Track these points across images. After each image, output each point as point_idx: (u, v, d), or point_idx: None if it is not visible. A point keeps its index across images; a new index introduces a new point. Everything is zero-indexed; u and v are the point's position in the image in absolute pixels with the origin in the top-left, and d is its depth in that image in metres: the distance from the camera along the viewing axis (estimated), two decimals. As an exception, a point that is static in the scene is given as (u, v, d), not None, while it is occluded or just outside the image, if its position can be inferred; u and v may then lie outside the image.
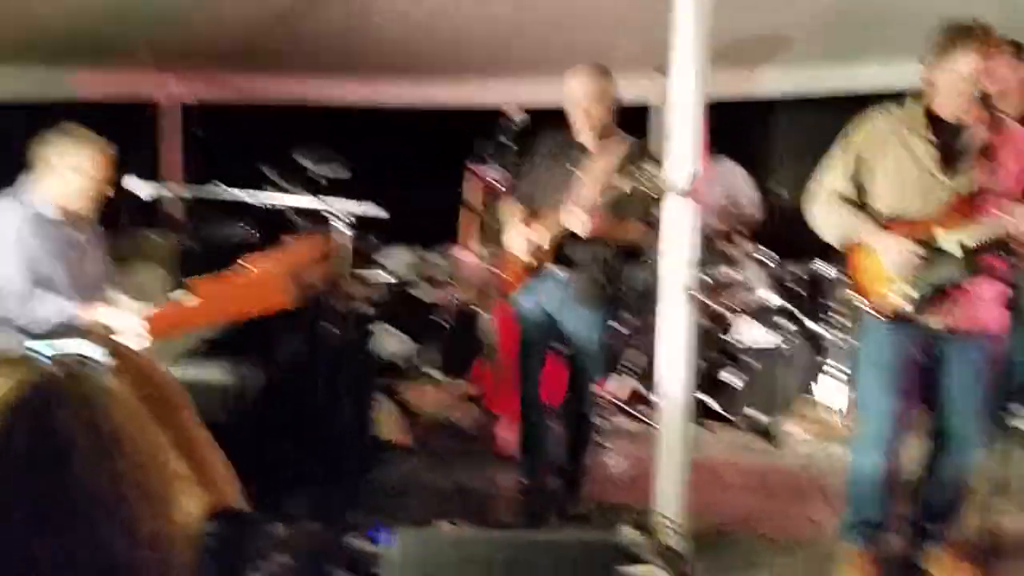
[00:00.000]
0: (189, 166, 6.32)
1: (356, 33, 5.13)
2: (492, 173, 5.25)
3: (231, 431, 3.09)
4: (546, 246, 3.72)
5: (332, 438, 3.60)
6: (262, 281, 2.89)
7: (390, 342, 5.95)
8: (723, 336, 5.10)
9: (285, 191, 5.11)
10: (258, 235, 5.32)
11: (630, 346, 5.62)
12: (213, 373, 2.83)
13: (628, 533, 3.36)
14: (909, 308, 3.11)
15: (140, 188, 3.28)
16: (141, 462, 1.17)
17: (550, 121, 3.90)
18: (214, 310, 2.89)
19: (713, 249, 5.15)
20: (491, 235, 3.58)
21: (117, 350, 1.43)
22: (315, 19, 4.90)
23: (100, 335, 1.32)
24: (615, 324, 4.68)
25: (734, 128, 6.02)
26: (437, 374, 5.87)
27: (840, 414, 5.14)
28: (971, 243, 3.02)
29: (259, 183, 5.02)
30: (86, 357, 1.37)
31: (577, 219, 3.54)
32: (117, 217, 5.06)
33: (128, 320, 3.10)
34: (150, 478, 1.18)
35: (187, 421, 1.43)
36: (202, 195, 3.38)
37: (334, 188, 5.08)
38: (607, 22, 4.96)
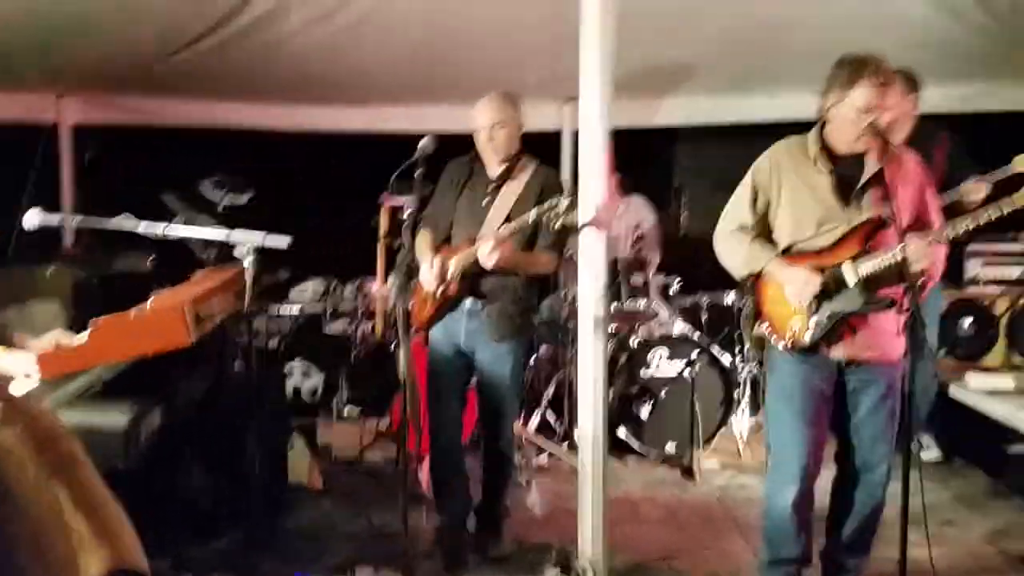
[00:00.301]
0: (86, 194, 6.05)
1: (265, 58, 5.02)
2: (402, 202, 5.20)
3: (130, 477, 2.96)
4: (451, 276, 3.66)
5: (240, 481, 3.45)
6: (159, 318, 2.74)
7: (301, 378, 5.81)
8: (635, 367, 5.10)
9: (186, 220, 4.97)
10: (156, 265, 5.13)
11: (543, 379, 5.60)
12: (109, 416, 2.66)
13: (551, 575, 3.30)
14: (809, 339, 3.14)
15: (28, 218, 3.09)
16: (36, 521, 1.10)
17: (462, 148, 3.86)
18: (108, 349, 2.73)
19: (623, 280, 5.17)
20: (404, 266, 3.48)
21: (6, 398, 1.32)
22: (222, 44, 4.77)
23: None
24: (528, 357, 4.67)
25: (643, 157, 6.12)
26: (351, 411, 5.74)
27: (743, 442, 5.21)
28: (868, 273, 3.07)
29: (159, 211, 4.87)
30: None
31: (483, 251, 3.50)
32: (6, 250, 4.83)
33: (18, 360, 2.91)
34: (46, 538, 1.11)
35: (83, 473, 1.33)
36: (99, 226, 3.20)
37: (240, 218, 4.96)
38: (517, 50, 4.99)
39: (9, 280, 4.40)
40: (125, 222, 3.09)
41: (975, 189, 4.18)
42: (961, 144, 4.49)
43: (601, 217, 3.31)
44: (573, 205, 3.32)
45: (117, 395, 2.80)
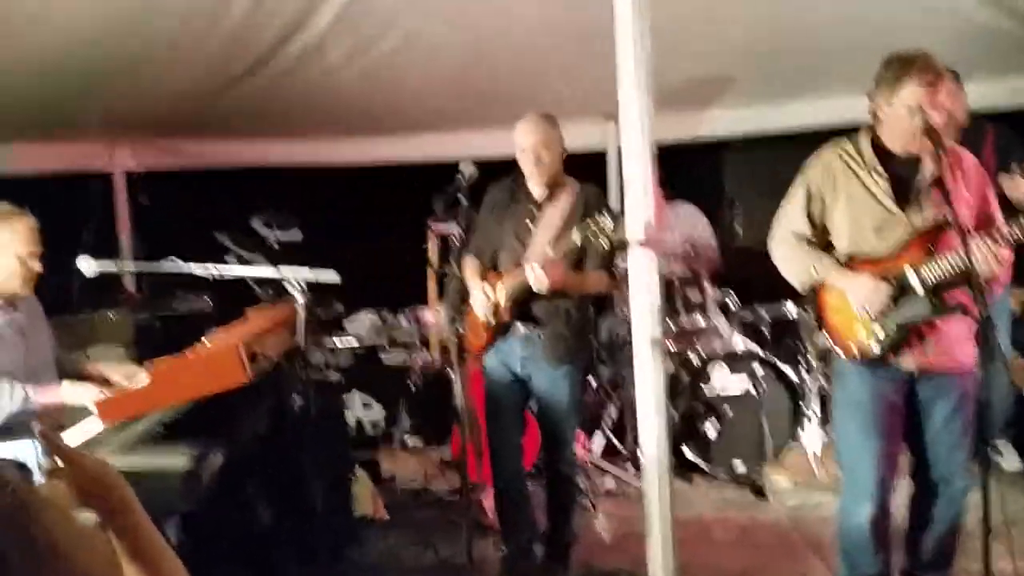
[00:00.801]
0: (141, 238, 6.17)
1: (307, 95, 5.08)
2: (449, 229, 5.20)
3: (194, 519, 2.97)
4: (504, 303, 3.63)
5: (304, 517, 3.44)
6: (216, 358, 2.76)
7: (360, 410, 5.82)
8: (697, 385, 4.99)
9: (240, 258, 5.04)
10: (214, 307, 5.19)
11: (604, 401, 5.53)
12: (171, 458, 2.67)
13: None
14: (878, 349, 3.03)
15: (86, 266, 3.14)
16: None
17: (505, 172, 3.84)
18: (168, 391, 2.75)
19: (679, 296, 5.08)
20: (454, 293, 3.47)
21: (57, 450, 1.31)
22: (266, 84, 4.83)
23: (43, 432, 1.21)
24: (586, 378, 4.61)
25: (693, 171, 6.05)
26: (412, 441, 5.72)
27: (816, 458, 5.06)
28: (934, 278, 2.96)
29: (215, 251, 4.94)
30: (19, 463, 1.27)
31: (532, 274, 3.45)
32: (69, 298, 4.93)
33: (80, 392, 2.96)
34: None
35: (136, 521, 1.31)
36: (154, 270, 3.25)
37: (293, 253, 5.01)
38: (556, 71, 4.98)
39: (73, 326, 4.48)
40: (173, 264, 3.13)
41: (1013, 185, 4.05)
42: (1009, 138, 4.35)
43: (652, 235, 3.24)
44: (617, 222, 3.27)
45: (178, 437, 2.81)
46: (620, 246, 3.40)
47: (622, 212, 3.31)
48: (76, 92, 4.81)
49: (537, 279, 3.44)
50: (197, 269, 3.13)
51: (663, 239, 3.21)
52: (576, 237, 3.38)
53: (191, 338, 3.45)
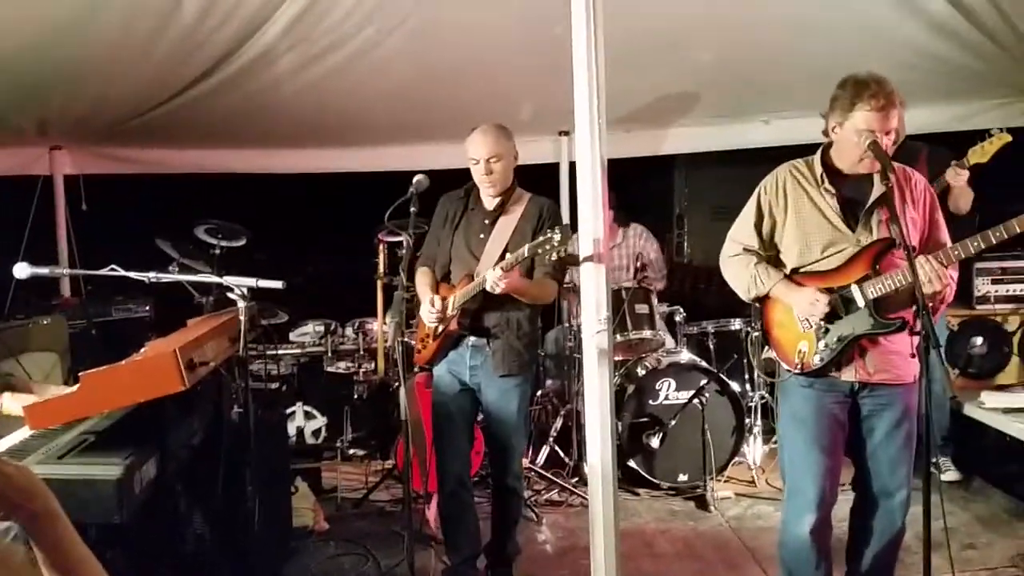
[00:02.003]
0: (80, 244, 6.02)
1: (256, 104, 5.00)
2: (398, 239, 5.16)
3: (126, 529, 2.88)
4: (452, 310, 3.60)
5: (241, 529, 3.36)
6: (150, 364, 2.67)
7: (304, 420, 5.73)
8: (642, 398, 5.01)
9: (183, 266, 4.94)
10: (153, 315, 5.09)
11: (550, 412, 5.52)
12: (103, 468, 2.58)
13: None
14: (820, 362, 3.07)
15: (17, 270, 3.04)
16: None
17: (456, 185, 3.82)
18: (99, 398, 2.66)
19: (627, 309, 5.09)
20: (400, 306, 3.42)
21: None
22: (213, 92, 4.75)
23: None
24: (533, 390, 4.59)
25: (642, 186, 6.10)
26: (355, 451, 5.65)
27: (757, 470, 5.11)
28: (877, 295, 3.01)
29: (157, 259, 4.83)
30: None
31: (492, 276, 3.43)
32: (2, 303, 4.78)
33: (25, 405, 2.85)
34: None
35: (60, 535, 1.26)
36: (86, 274, 3.16)
37: (238, 262, 4.92)
38: (509, 86, 4.98)
39: (4, 332, 4.34)
40: (114, 271, 3.04)
41: (956, 174, 4.35)
42: (941, 157, 4.52)
43: (596, 252, 3.24)
44: (566, 237, 3.26)
45: (113, 446, 2.72)
46: (570, 261, 3.39)
47: (567, 226, 3.30)
48: (13, 97, 4.68)
49: (493, 282, 3.41)
50: (136, 275, 3.04)
51: (607, 254, 3.20)
52: (525, 251, 3.36)
53: (129, 346, 3.36)
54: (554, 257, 3.34)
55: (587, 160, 3.26)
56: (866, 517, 3.23)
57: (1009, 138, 4.40)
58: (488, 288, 3.44)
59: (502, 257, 3.59)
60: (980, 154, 4.40)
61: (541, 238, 3.31)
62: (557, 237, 3.25)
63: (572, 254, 3.34)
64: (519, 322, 3.65)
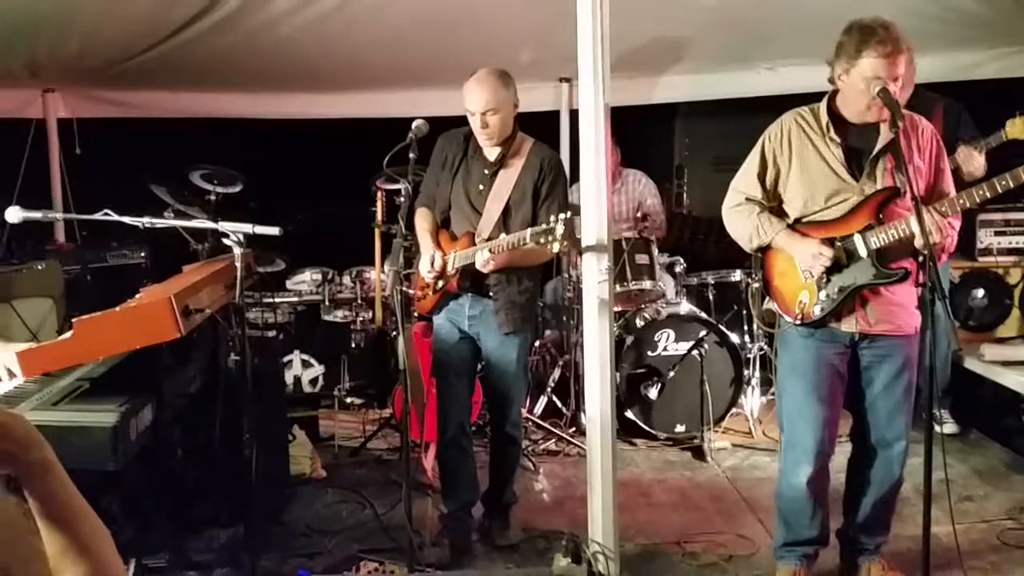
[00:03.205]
0: (74, 188, 5.95)
1: (252, 46, 4.90)
2: (396, 187, 5.10)
3: (122, 476, 2.87)
4: (451, 270, 3.55)
5: (238, 475, 3.36)
6: (145, 311, 2.64)
7: (301, 368, 5.72)
8: (641, 349, 5.00)
9: (178, 212, 4.89)
10: (149, 262, 5.05)
11: (548, 363, 5.51)
12: (98, 415, 2.56)
13: (561, 564, 3.20)
14: (820, 312, 3.05)
15: (10, 214, 2.99)
16: None
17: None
18: (94, 345, 2.63)
19: (627, 259, 5.06)
20: (398, 254, 3.37)
21: None
22: (208, 33, 4.65)
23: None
24: (533, 340, 4.57)
25: (643, 135, 6.02)
26: (352, 400, 5.65)
27: (754, 420, 5.12)
28: (880, 245, 2.97)
29: (152, 204, 4.78)
30: None
31: (479, 260, 3.39)
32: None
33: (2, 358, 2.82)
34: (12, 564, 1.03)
35: (56, 484, 1.24)
36: (84, 219, 3.11)
37: (234, 209, 4.87)
38: (510, 31, 4.88)
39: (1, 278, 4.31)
40: (105, 215, 2.99)
41: (966, 156, 4.10)
42: (958, 113, 4.39)
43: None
44: (569, 228, 3.19)
45: (109, 393, 2.70)
46: (566, 242, 3.30)
47: (570, 216, 3.22)
48: (7, 39, 4.58)
49: (483, 264, 3.38)
50: (131, 220, 2.99)
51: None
52: (527, 236, 3.28)
53: (125, 292, 3.32)
54: (556, 248, 3.28)
55: (590, 108, 3.21)
56: (864, 467, 3.23)
57: None
58: (478, 268, 3.40)
59: (504, 213, 3.53)
60: (1022, 128, 3.80)
61: (544, 227, 3.22)
62: (560, 229, 3.17)
63: (575, 241, 3.27)
64: (519, 277, 3.60)
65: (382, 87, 6.00)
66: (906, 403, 3.15)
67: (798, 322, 3.11)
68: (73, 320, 2.64)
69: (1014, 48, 5.37)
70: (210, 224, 3.15)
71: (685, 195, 7.42)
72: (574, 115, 5.08)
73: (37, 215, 3.10)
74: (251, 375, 3.10)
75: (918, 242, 2.81)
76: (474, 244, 3.51)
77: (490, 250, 3.38)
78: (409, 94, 5.88)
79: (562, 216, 3.19)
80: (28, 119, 5.89)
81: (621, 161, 5.74)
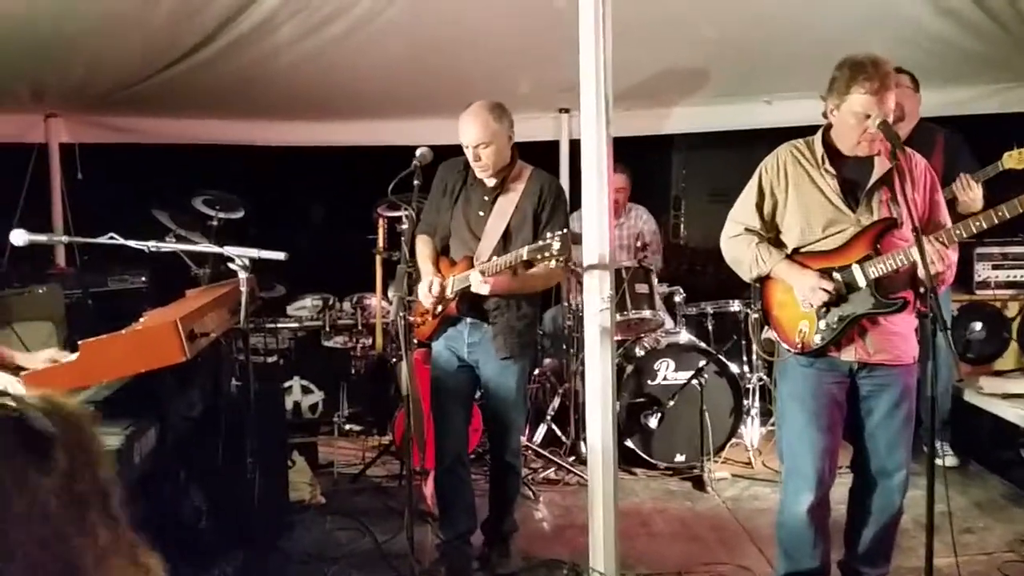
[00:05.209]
0: (75, 213, 5.96)
1: (255, 74, 4.95)
2: (398, 214, 5.13)
3: (124, 499, 2.86)
4: (450, 294, 3.57)
5: (238, 501, 3.35)
6: (151, 335, 2.65)
7: (301, 394, 5.71)
8: (641, 378, 5.00)
9: (180, 237, 4.90)
10: (149, 286, 5.05)
11: (548, 391, 5.51)
12: (103, 437, 2.56)
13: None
14: (820, 342, 3.07)
15: (14, 237, 3.00)
16: None
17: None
18: (99, 367, 2.64)
19: (627, 289, 5.07)
20: (402, 280, 3.39)
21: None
22: (211, 60, 4.70)
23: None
24: (532, 368, 4.58)
25: (640, 166, 6.07)
26: (351, 426, 5.64)
27: (754, 451, 5.11)
28: (878, 275, 3.00)
29: (153, 229, 4.79)
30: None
31: (474, 281, 3.41)
32: (-4, 271, 4.74)
33: (2, 380, 2.82)
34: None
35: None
36: (85, 242, 3.13)
37: (235, 234, 4.89)
38: (510, 62, 4.94)
39: (1, 300, 4.31)
40: (113, 239, 3.01)
41: (963, 187, 4.11)
42: (958, 145, 4.42)
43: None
44: (565, 246, 3.21)
45: (112, 416, 2.70)
46: (567, 258, 3.32)
47: (565, 234, 3.24)
48: (6, 62, 4.62)
49: (477, 285, 3.40)
50: (136, 244, 3.01)
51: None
52: (523, 254, 3.31)
53: (125, 316, 3.33)
54: (552, 265, 3.30)
55: (593, 138, 3.23)
56: (864, 498, 3.23)
57: None
58: (473, 290, 3.42)
59: (504, 237, 3.56)
60: (1017, 159, 3.91)
61: (540, 243, 3.25)
62: (556, 246, 3.19)
63: (572, 259, 3.29)
64: (519, 303, 3.62)
65: (383, 116, 6.06)
66: (906, 432, 3.15)
67: (798, 351, 3.13)
68: (80, 342, 2.64)
69: (1012, 84, 5.43)
70: (216, 249, 3.16)
71: (682, 226, 7.46)
72: (573, 145, 5.14)
73: (43, 238, 3.12)
74: (253, 400, 3.11)
75: (920, 272, 2.84)
76: (472, 268, 3.53)
77: (482, 271, 3.40)
78: (409, 123, 5.94)
79: (558, 233, 3.21)
80: (30, 144, 5.91)
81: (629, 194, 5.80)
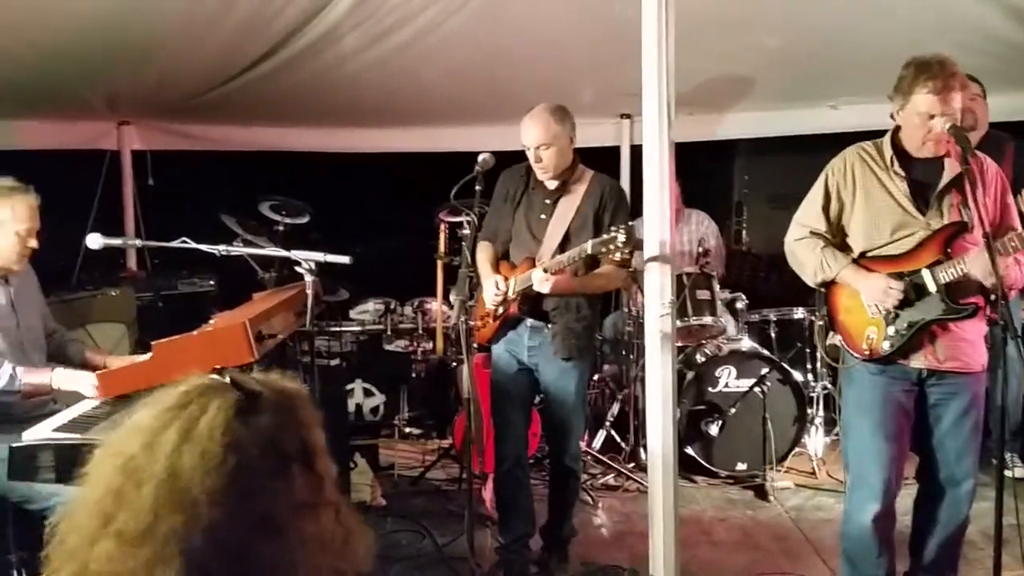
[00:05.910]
0: (146, 219, 6.13)
1: (321, 82, 5.04)
2: (460, 219, 5.17)
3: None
4: (512, 295, 3.59)
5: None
6: (221, 335, 2.72)
7: (363, 396, 5.78)
8: (702, 385, 4.96)
9: (247, 242, 5.01)
10: (218, 289, 5.16)
11: (607, 397, 5.49)
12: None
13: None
14: (889, 348, 3.01)
15: (91, 240, 3.11)
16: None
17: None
18: (170, 367, 2.70)
19: (688, 295, 5.04)
20: (464, 284, 3.43)
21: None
22: (278, 70, 4.79)
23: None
24: (592, 374, 4.56)
25: (702, 172, 6.03)
26: (412, 429, 5.69)
27: (818, 460, 5.03)
28: (948, 280, 2.93)
29: (221, 234, 4.91)
30: None
31: (536, 278, 3.43)
32: (70, 275, 4.89)
33: (78, 379, 2.91)
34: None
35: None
36: (162, 247, 3.22)
37: (300, 239, 4.98)
38: (572, 67, 4.96)
39: (73, 303, 4.45)
40: (185, 243, 3.09)
41: None
42: None
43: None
44: (631, 239, 3.21)
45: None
46: (632, 253, 3.33)
47: (631, 227, 3.24)
48: (82, 72, 4.77)
49: (539, 283, 3.42)
50: (207, 248, 3.09)
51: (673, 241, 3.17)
52: (588, 248, 3.33)
53: (194, 319, 3.41)
54: (617, 258, 3.30)
55: (655, 144, 3.22)
56: (931, 507, 3.17)
57: None
58: (535, 288, 3.43)
59: (564, 240, 3.57)
60: None
61: (605, 237, 3.27)
62: (621, 238, 3.20)
63: (637, 254, 3.29)
64: (578, 305, 3.63)
65: (445, 122, 6.12)
66: (974, 441, 3.08)
67: (866, 358, 3.07)
68: (152, 343, 2.72)
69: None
70: (283, 252, 3.23)
71: (744, 232, 7.38)
72: (635, 151, 5.13)
73: (118, 242, 3.22)
74: (316, 402, 3.15)
75: (987, 279, 2.78)
76: (534, 268, 3.55)
77: (545, 268, 3.41)
78: (471, 129, 5.99)
79: (623, 226, 3.21)
80: (103, 150, 6.09)
81: (683, 199, 5.75)
